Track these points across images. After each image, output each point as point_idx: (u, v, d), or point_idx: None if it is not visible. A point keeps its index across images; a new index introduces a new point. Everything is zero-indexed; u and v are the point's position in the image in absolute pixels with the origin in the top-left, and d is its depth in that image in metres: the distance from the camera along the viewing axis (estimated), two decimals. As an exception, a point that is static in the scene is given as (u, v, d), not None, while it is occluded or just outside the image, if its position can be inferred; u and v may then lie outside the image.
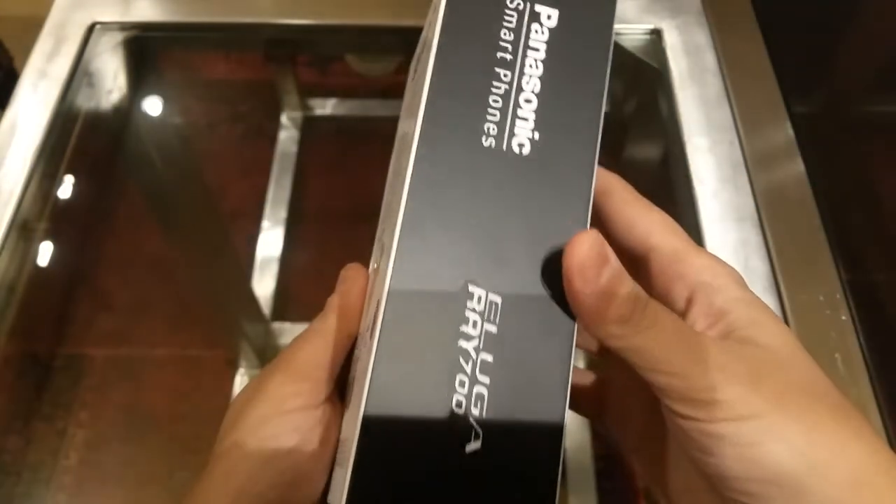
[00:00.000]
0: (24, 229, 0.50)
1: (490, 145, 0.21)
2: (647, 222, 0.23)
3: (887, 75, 0.53)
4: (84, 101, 0.56)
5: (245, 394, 0.25)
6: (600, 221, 0.23)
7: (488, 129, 0.21)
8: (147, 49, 0.61)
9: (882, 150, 0.53)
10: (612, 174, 0.23)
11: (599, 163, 0.22)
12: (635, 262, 0.23)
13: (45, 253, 0.53)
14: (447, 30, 0.21)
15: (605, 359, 0.26)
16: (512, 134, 0.21)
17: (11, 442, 0.69)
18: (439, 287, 0.20)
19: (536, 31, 0.22)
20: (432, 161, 0.20)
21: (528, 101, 0.21)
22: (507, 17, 0.22)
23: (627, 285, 0.20)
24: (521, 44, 0.22)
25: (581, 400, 0.25)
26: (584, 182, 0.21)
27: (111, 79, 0.60)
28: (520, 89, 0.21)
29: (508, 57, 0.21)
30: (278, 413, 0.24)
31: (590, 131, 0.22)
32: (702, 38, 0.56)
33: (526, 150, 0.21)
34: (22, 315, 0.51)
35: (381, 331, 0.19)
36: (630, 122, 0.65)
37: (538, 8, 0.22)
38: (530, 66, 0.22)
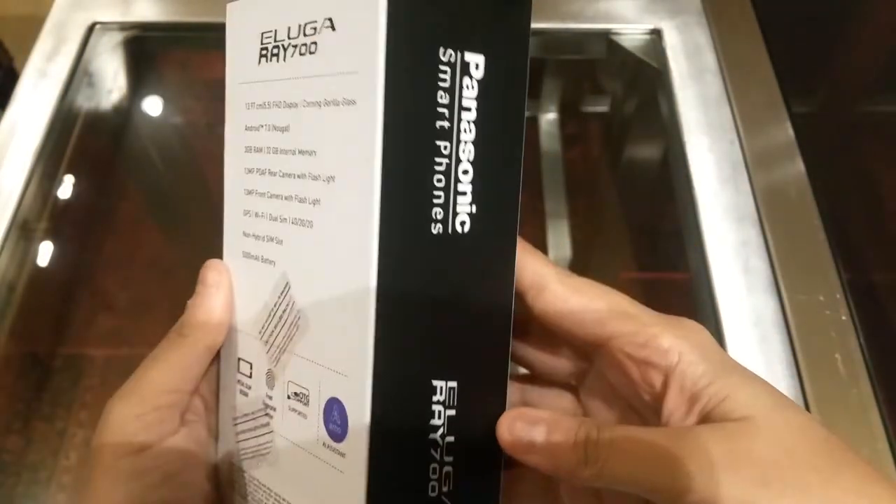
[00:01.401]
0: (24, 229, 0.50)
1: (438, 232, 0.20)
2: (595, 312, 0.22)
3: (887, 75, 0.53)
4: (84, 101, 0.56)
5: (101, 423, 0.24)
6: (545, 319, 0.23)
7: (435, 214, 0.20)
8: (147, 49, 0.61)
9: (882, 150, 0.53)
10: (539, 260, 0.23)
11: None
12: (598, 349, 0.23)
13: (45, 253, 0.53)
14: (389, 101, 0.19)
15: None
16: (455, 213, 0.21)
17: (11, 442, 0.69)
18: (413, 390, 0.21)
19: (468, 88, 0.20)
20: (393, 268, 0.19)
21: (465, 172, 0.21)
22: (441, 76, 0.20)
23: (569, 430, 0.21)
24: (455, 106, 0.20)
25: None
26: (511, 253, 0.22)
27: (111, 79, 0.60)
28: (458, 161, 0.20)
29: (447, 125, 0.20)
30: (131, 452, 0.23)
31: (513, 195, 0.22)
32: (702, 38, 0.56)
33: (466, 228, 0.21)
34: (22, 315, 0.51)
35: (369, 450, 0.20)
36: (630, 122, 0.65)
37: (468, 57, 0.20)
38: (465, 131, 0.21)
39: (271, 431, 0.24)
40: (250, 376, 0.25)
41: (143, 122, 0.68)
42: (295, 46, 0.22)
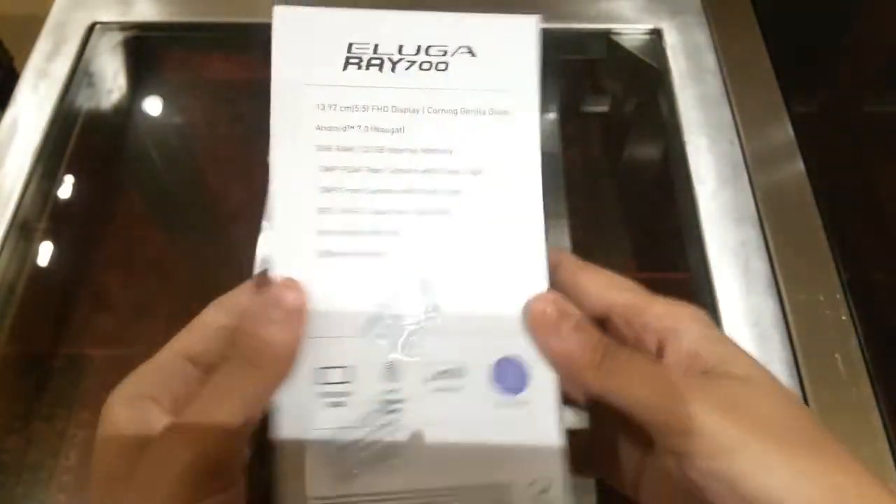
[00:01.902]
0: (24, 229, 0.50)
1: None
2: (597, 284, 0.24)
3: (887, 75, 0.53)
4: (84, 101, 0.56)
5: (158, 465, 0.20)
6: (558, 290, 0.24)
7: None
8: (147, 49, 0.61)
9: (882, 151, 0.53)
10: (560, 250, 0.25)
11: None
12: (601, 322, 0.24)
13: (45, 253, 0.53)
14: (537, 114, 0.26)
15: (594, 412, 0.26)
16: None
17: (11, 442, 0.69)
18: None
19: None
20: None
21: None
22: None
23: (593, 334, 0.22)
24: None
25: (579, 462, 0.25)
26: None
27: (111, 79, 0.60)
28: None
29: None
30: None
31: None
32: (702, 38, 0.56)
33: None
34: (22, 315, 0.51)
35: None
36: (630, 122, 0.65)
37: None
38: None
39: (404, 426, 0.23)
40: (346, 382, 0.23)
41: (143, 122, 0.68)
42: (412, 62, 0.25)
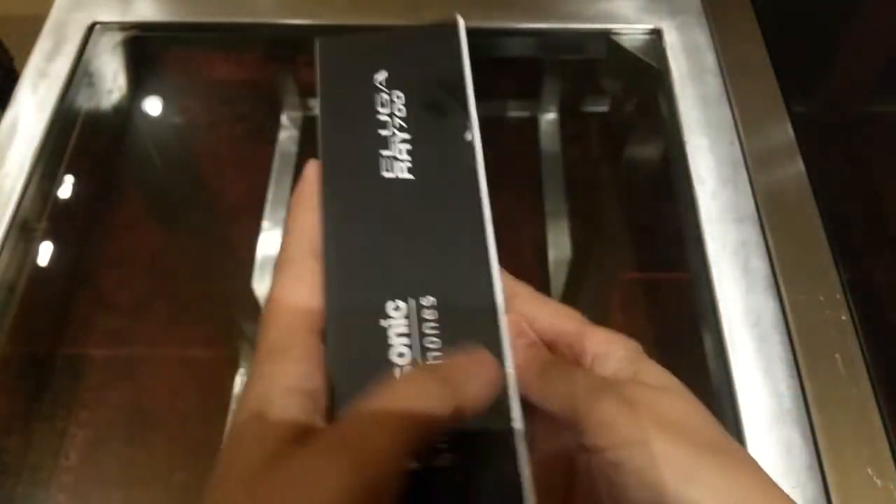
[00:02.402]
0: (24, 229, 0.50)
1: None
2: (548, 314, 0.26)
3: (887, 75, 0.53)
4: (84, 101, 0.56)
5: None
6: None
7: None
8: (147, 49, 0.61)
9: (882, 150, 0.53)
10: (517, 282, 0.26)
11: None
12: (549, 346, 0.26)
13: (45, 253, 0.53)
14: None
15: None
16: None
17: (11, 442, 0.69)
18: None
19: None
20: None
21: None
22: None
23: (541, 350, 0.25)
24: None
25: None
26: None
27: (111, 79, 0.60)
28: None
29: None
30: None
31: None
32: (702, 38, 0.56)
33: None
34: (22, 315, 0.51)
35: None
36: (630, 122, 0.65)
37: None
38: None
39: None
40: None
41: (143, 122, 0.68)
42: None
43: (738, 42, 0.55)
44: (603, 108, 0.80)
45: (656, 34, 0.56)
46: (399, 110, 0.25)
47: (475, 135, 0.25)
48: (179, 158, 0.81)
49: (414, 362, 0.22)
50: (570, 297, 0.52)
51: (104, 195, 0.69)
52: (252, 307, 1.00)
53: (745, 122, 0.51)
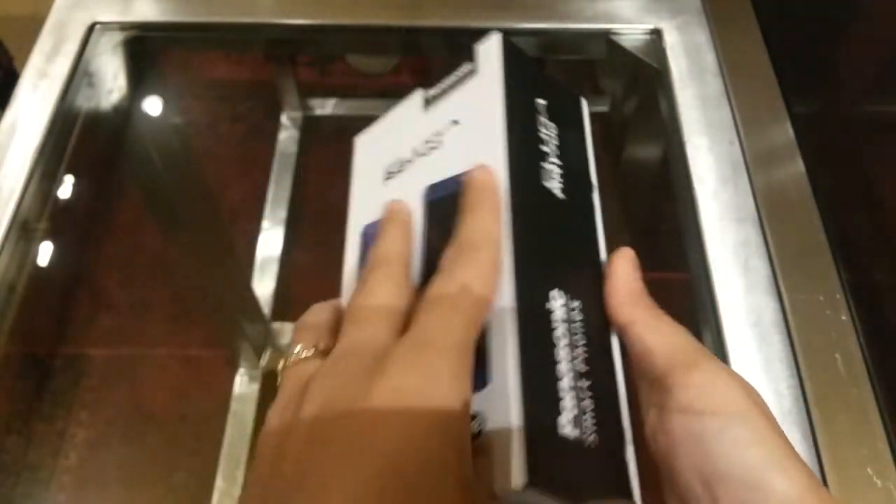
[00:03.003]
0: (24, 229, 0.50)
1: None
2: (661, 357, 0.24)
3: (887, 75, 0.53)
4: (84, 101, 0.56)
5: None
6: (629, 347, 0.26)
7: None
8: (147, 49, 0.61)
9: (882, 151, 0.53)
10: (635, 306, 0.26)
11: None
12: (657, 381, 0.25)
13: (45, 253, 0.53)
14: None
15: None
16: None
17: (11, 442, 0.69)
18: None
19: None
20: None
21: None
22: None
23: (645, 290, 0.25)
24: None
25: None
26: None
27: (111, 79, 0.60)
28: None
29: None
30: None
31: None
32: (702, 38, 0.56)
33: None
34: (22, 315, 0.51)
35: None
36: (630, 122, 0.65)
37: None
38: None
39: None
40: None
41: (143, 122, 0.68)
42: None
43: (738, 42, 0.55)
44: (603, 108, 0.80)
45: (656, 34, 0.56)
46: (553, 138, 0.29)
47: (596, 196, 0.29)
48: (179, 158, 0.81)
49: (571, 346, 0.24)
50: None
51: (104, 195, 0.69)
52: (252, 307, 1.00)
53: (745, 122, 0.51)
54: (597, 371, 0.24)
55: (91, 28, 0.57)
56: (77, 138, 0.55)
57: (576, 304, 0.25)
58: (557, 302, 0.24)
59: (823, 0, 0.59)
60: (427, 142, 0.29)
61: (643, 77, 0.58)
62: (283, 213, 1.13)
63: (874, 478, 0.37)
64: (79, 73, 0.55)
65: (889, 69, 0.53)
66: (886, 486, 0.37)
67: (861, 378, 0.40)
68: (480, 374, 0.22)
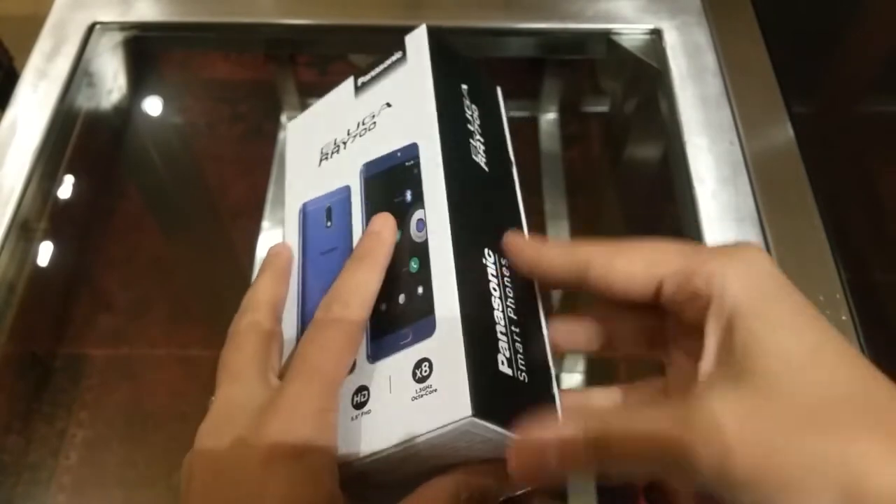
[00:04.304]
0: (24, 229, 0.50)
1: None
2: (641, 270, 0.23)
3: (887, 75, 0.53)
4: (84, 101, 0.56)
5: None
6: (601, 294, 0.24)
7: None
8: (147, 49, 0.61)
9: (882, 151, 0.53)
10: (578, 244, 0.25)
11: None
12: (656, 306, 0.24)
13: (45, 253, 0.53)
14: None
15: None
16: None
17: (11, 442, 0.69)
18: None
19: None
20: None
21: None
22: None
23: (577, 439, 0.21)
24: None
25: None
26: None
27: (111, 79, 0.60)
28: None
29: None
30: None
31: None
32: (702, 38, 0.56)
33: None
34: (22, 315, 0.51)
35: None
36: (630, 122, 0.65)
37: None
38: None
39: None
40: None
41: (143, 122, 0.68)
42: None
43: (738, 42, 0.55)
44: (603, 108, 0.80)
45: (656, 34, 0.56)
46: (476, 118, 0.31)
47: (514, 170, 0.32)
48: (179, 158, 0.81)
49: (503, 297, 0.26)
50: (570, 297, 0.52)
51: (104, 195, 0.69)
52: (252, 307, 1.00)
53: (745, 122, 0.51)
54: (525, 319, 0.27)
55: (91, 28, 0.57)
56: (77, 138, 0.55)
57: (504, 261, 0.27)
58: (489, 260, 0.27)
59: (823, 0, 0.59)
60: (360, 124, 0.31)
61: (643, 77, 0.58)
62: (282, 213, 1.13)
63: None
64: (79, 73, 0.55)
65: (889, 69, 0.53)
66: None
67: (861, 378, 0.40)
68: (425, 326, 0.25)
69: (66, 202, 0.55)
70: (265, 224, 1.12)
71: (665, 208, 0.56)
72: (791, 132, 0.51)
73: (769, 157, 0.50)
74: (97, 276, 0.76)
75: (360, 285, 0.25)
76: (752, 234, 0.46)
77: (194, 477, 0.23)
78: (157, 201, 0.79)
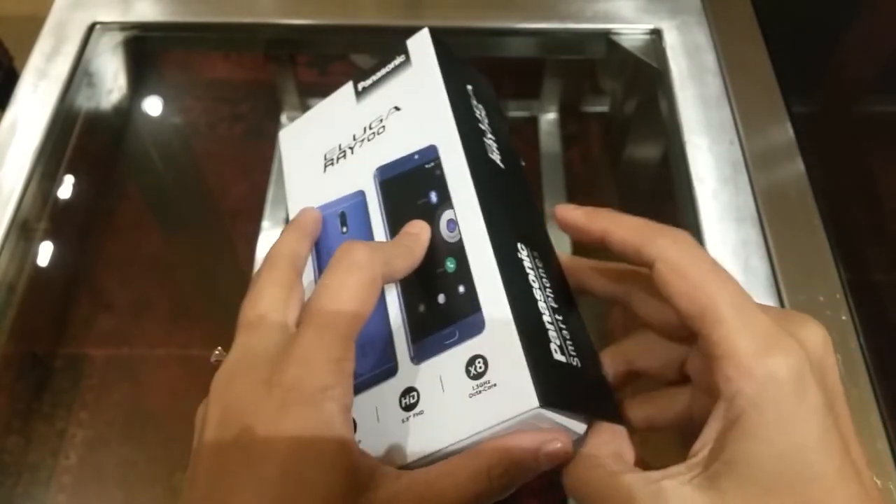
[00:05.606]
0: (24, 229, 0.50)
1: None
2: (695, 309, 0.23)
3: (887, 75, 0.53)
4: (84, 101, 0.56)
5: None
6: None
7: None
8: (147, 49, 0.61)
9: (882, 150, 0.53)
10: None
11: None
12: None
13: (45, 253, 0.53)
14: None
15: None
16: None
17: (11, 442, 0.69)
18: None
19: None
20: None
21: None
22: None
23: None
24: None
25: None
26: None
27: (111, 79, 0.60)
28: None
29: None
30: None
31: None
32: (702, 38, 0.56)
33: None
34: (22, 315, 0.51)
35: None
36: (630, 122, 0.65)
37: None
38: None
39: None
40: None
41: (143, 122, 0.68)
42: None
43: (738, 42, 0.55)
44: (603, 108, 0.80)
45: (656, 34, 0.56)
46: (484, 117, 0.31)
47: (523, 163, 0.33)
48: (179, 158, 0.81)
49: (542, 288, 0.27)
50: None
51: (104, 195, 0.69)
52: (252, 307, 1.00)
53: (745, 122, 0.51)
54: (564, 307, 0.27)
55: (91, 28, 0.57)
56: (77, 138, 0.55)
57: (536, 253, 0.28)
58: (524, 253, 0.27)
59: (823, 0, 0.59)
60: (368, 128, 0.31)
61: (643, 77, 0.58)
62: (283, 213, 1.13)
63: (874, 478, 0.37)
64: (79, 73, 0.55)
65: (889, 69, 0.53)
66: (886, 486, 0.37)
67: (861, 378, 0.40)
68: (473, 324, 0.25)
69: (66, 202, 0.55)
70: (265, 224, 1.12)
71: (665, 208, 0.56)
72: (791, 132, 0.51)
73: (769, 157, 0.50)
74: (97, 276, 0.76)
75: (391, 257, 0.25)
76: (752, 234, 0.46)
77: (208, 424, 0.23)
78: (157, 201, 0.79)
